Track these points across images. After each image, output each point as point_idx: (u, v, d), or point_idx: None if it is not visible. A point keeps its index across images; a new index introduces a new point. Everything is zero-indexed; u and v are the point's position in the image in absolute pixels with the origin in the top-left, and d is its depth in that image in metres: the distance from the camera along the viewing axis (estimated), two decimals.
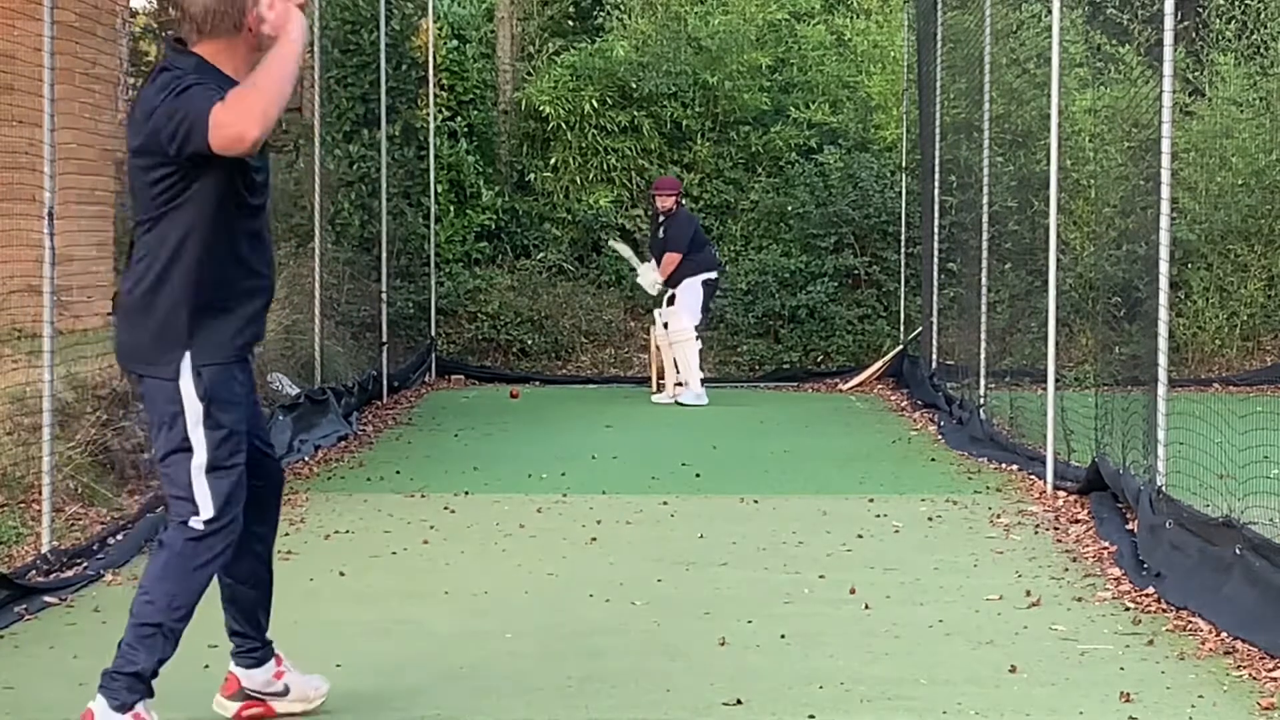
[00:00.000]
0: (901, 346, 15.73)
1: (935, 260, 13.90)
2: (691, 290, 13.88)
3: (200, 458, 4.40)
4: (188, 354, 4.37)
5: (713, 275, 14.06)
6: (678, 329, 13.87)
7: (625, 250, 14.75)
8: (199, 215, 4.32)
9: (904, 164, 16.45)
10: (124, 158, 4.33)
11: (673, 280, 13.93)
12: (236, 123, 4.09)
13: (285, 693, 4.81)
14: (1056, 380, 9.43)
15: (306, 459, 10.20)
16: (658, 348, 14.98)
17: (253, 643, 4.81)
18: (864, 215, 16.47)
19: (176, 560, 4.40)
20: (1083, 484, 8.66)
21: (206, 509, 4.40)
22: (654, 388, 15.01)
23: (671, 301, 14.00)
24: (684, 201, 14.63)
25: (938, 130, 13.75)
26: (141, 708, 4.44)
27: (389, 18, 14.23)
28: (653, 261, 14.15)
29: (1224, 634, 5.76)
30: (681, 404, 13.80)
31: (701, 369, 14.13)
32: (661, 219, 14.04)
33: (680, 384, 13.94)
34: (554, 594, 6.59)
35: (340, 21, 14.64)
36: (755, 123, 17.37)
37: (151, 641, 4.40)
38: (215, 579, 4.62)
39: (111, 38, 10.78)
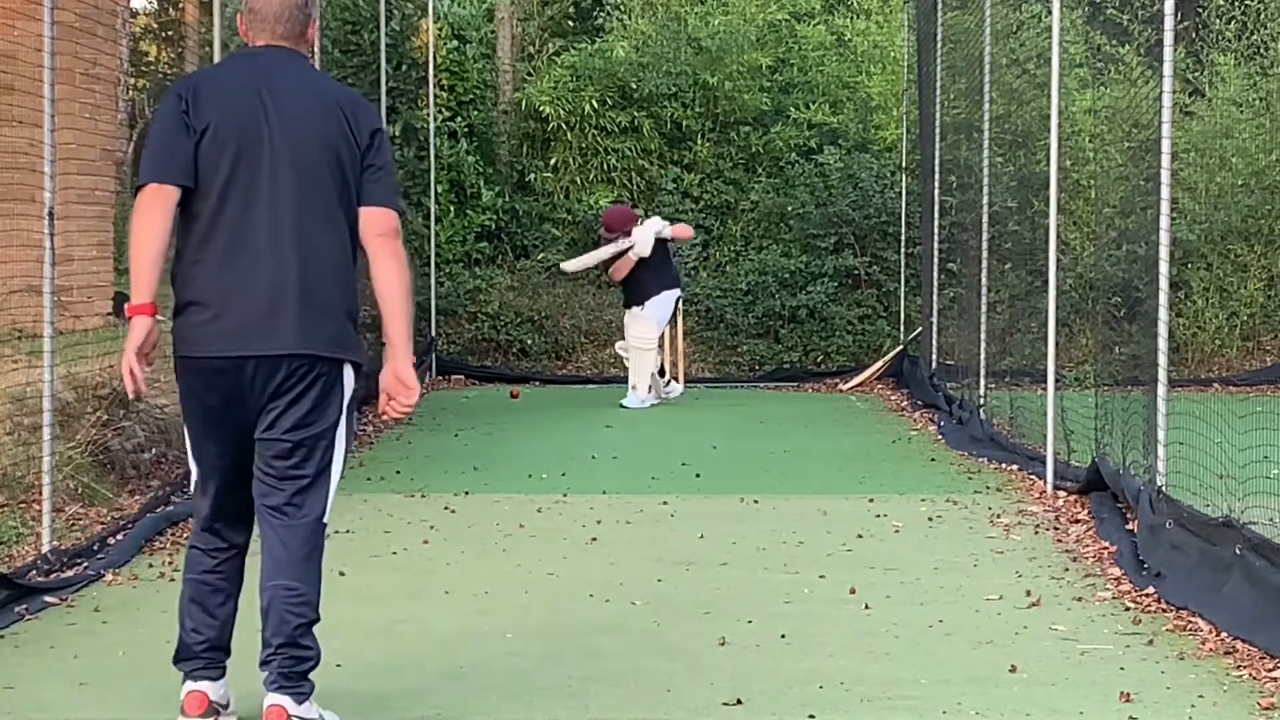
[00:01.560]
0: (901, 346, 15.73)
1: (935, 260, 13.90)
2: (663, 303, 13.79)
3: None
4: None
5: (677, 293, 13.98)
6: (640, 335, 13.72)
7: (586, 260, 14.49)
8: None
9: (904, 164, 16.45)
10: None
11: (646, 294, 13.74)
12: (396, 237, 4.61)
13: (228, 705, 4.72)
14: (1056, 380, 9.43)
15: None
16: (659, 347, 14.97)
17: (227, 654, 4.72)
18: (864, 215, 16.47)
19: (319, 551, 4.63)
20: (1083, 484, 8.65)
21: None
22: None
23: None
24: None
25: (938, 130, 13.75)
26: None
27: (389, 18, 14.23)
28: (655, 218, 13.98)
29: (1224, 634, 5.75)
30: (625, 406, 13.66)
31: (675, 370, 14.07)
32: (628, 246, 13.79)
33: (635, 387, 13.80)
34: (554, 594, 6.59)
35: (340, 21, 14.64)
36: (755, 123, 17.37)
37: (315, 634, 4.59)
38: (204, 581, 4.64)
39: (111, 38, 10.79)
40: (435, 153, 15.92)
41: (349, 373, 4.65)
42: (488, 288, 16.59)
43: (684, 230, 14.06)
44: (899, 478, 9.85)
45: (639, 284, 13.77)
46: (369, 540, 7.70)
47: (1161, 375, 7.18)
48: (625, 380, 15.67)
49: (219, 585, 4.66)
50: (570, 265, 14.74)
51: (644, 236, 13.70)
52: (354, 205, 4.58)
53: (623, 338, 14.27)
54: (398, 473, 9.90)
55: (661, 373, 14.33)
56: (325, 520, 4.69)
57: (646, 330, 13.74)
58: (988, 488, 9.40)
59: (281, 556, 4.55)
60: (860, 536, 7.86)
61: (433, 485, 9.40)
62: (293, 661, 4.49)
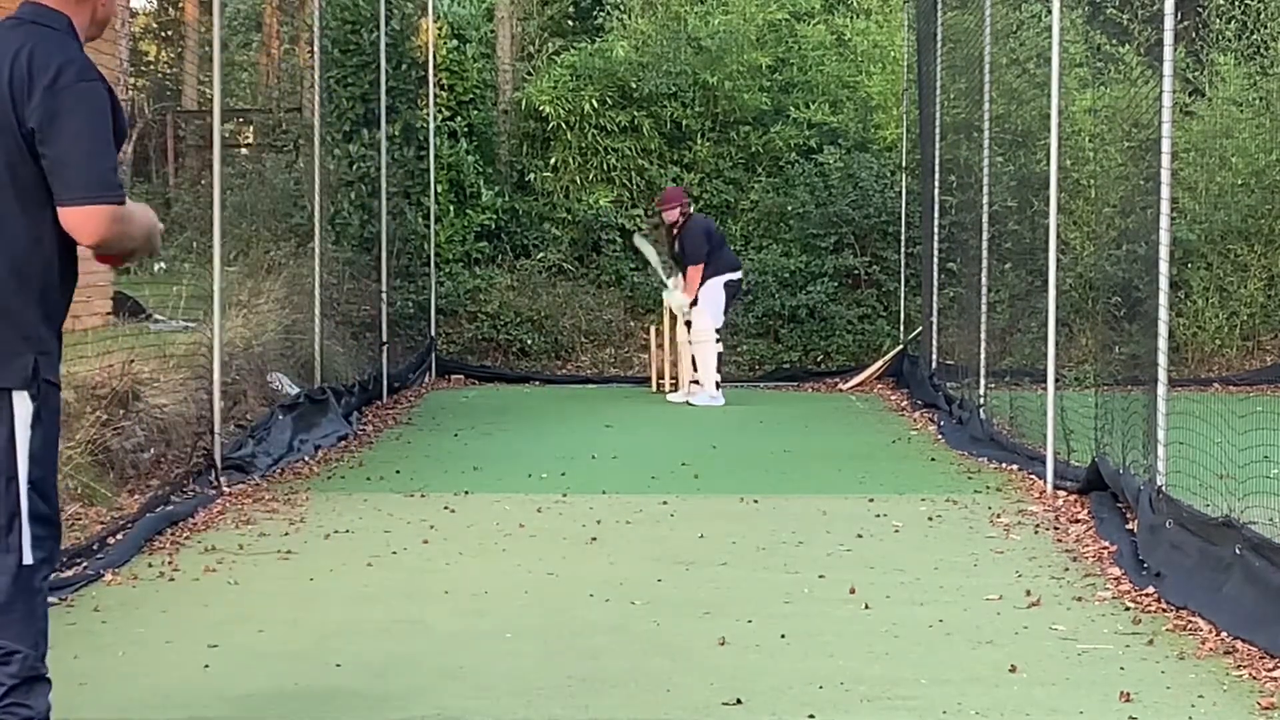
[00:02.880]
0: (901, 346, 15.74)
1: (935, 260, 13.90)
2: (712, 292, 13.83)
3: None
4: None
5: (734, 276, 14.00)
6: (698, 329, 13.82)
7: (650, 253, 14.65)
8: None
9: (904, 164, 16.45)
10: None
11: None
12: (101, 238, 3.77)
13: None
14: (1056, 380, 9.43)
15: (306, 459, 10.20)
16: (659, 346, 14.99)
17: None
18: (864, 215, 16.47)
19: (25, 599, 3.85)
20: (1083, 484, 8.66)
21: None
22: (654, 387, 15.02)
23: (695, 302, 13.95)
24: (692, 206, 14.51)
25: (938, 130, 13.75)
26: None
27: (389, 18, 14.23)
28: (678, 277, 14.10)
29: (1224, 634, 5.76)
30: (692, 404, 13.77)
31: (719, 371, 14.08)
32: (674, 231, 13.99)
33: (696, 383, 13.91)
34: (554, 594, 6.59)
35: (340, 21, 14.64)
36: (755, 123, 17.37)
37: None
38: None
39: (111, 38, 10.79)
40: (435, 152, 15.92)
41: (20, 401, 3.81)
42: (488, 287, 16.59)
43: (692, 288, 13.95)
44: (899, 478, 9.85)
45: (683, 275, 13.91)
46: (369, 540, 7.70)
47: (1161, 375, 7.17)
48: (625, 380, 15.73)
49: None
50: (645, 248, 14.83)
51: (675, 303, 14.16)
52: (29, 189, 3.79)
53: (647, 333, 14.34)
54: (397, 473, 9.90)
55: (661, 374, 14.35)
56: (27, 562, 3.83)
57: (702, 323, 13.80)
58: (988, 488, 9.40)
59: None
60: (860, 536, 7.86)
61: (433, 485, 9.40)
62: None
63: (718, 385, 13.92)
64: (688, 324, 14.00)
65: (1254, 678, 5.28)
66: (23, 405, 3.83)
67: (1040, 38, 13.88)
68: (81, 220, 3.78)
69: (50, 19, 3.92)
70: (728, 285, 13.93)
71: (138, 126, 18.05)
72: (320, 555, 7.35)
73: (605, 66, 17.00)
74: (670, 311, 14.58)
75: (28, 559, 3.83)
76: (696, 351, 13.91)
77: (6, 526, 3.81)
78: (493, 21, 18.02)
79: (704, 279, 13.80)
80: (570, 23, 19.08)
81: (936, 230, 13.84)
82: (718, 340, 13.93)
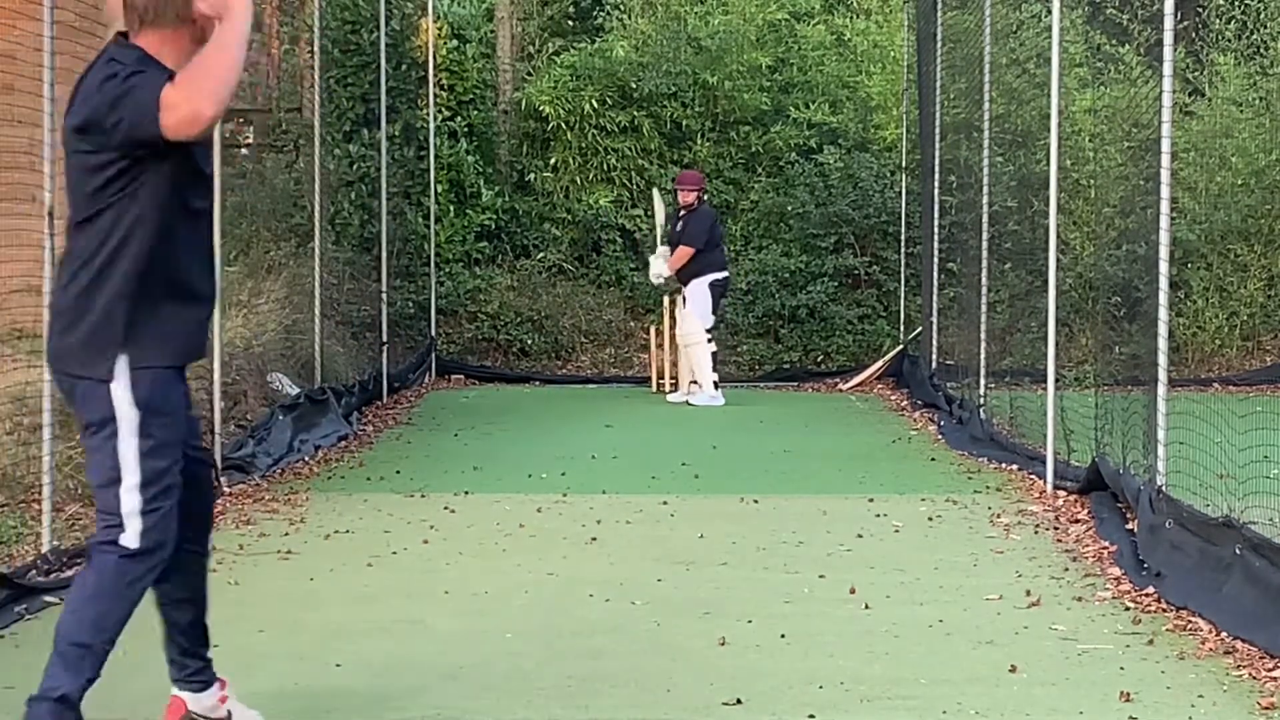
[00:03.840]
0: (901, 346, 15.73)
1: (935, 260, 13.90)
2: (699, 292, 13.84)
3: (133, 476, 4.21)
4: (124, 356, 4.17)
5: (720, 276, 14.03)
6: (688, 331, 13.87)
7: (659, 212, 14.62)
8: (144, 211, 4.12)
9: (904, 164, 16.45)
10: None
11: (681, 277, 13.91)
12: (189, 100, 3.94)
13: (229, 719, 4.60)
14: (1056, 380, 9.43)
15: (306, 459, 10.20)
16: (659, 346, 14.99)
17: (198, 663, 4.61)
18: (864, 215, 16.46)
19: (110, 579, 4.24)
20: (1083, 484, 8.65)
21: (135, 526, 4.23)
22: (653, 387, 15.02)
23: (683, 303, 13.99)
24: (705, 199, 14.55)
25: (938, 130, 13.75)
26: None
27: (389, 18, 14.22)
28: (665, 249, 14.12)
29: (1224, 634, 5.76)
30: (692, 404, 13.79)
31: (715, 370, 14.09)
32: (681, 213, 14.01)
33: (695, 383, 13.93)
34: (554, 594, 6.59)
35: (340, 21, 14.63)
36: (755, 123, 17.36)
37: (80, 663, 4.28)
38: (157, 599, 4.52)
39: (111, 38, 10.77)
40: (435, 153, 15.92)
41: (116, 387, 4.19)
42: (488, 288, 16.58)
43: (677, 261, 13.98)
44: (899, 478, 9.84)
45: (685, 265, 13.87)
46: (369, 540, 7.70)
47: (1161, 375, 7.18)
48: (625, 380, 15.73)
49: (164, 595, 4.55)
50: (658, 203, 14.80)
51: (654, 271, 14.28)
52: (109, 199, 4.12)
53: (647, 333, 14.35)
54: (398, 473, 9.90)
55: (661, 375, 14.34)
56: (115, 537, 4.26)
57: (692, 327, 13.82)
58: (988, 488, 9.40)
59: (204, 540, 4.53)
60: (860, 536, 7.86)
61: (433, 485, 9.40)
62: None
63: (716, 385, 13.93)
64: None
65: (1254, 678, 5.28)
66: (118, 391, 4.20)
67: (1040, 38, 13.87)
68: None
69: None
70: (714, 285, 13.94)
71: None
72: (320, 555, 7.35)
73: (605, 66, 16.99)
74: (670, 312, 14.59)
75: (125, 534, 4.28)
76: (690, 353, 13.94)
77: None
78: (493, 21, 18.01)
79: (692, 275, 13.80)
80: (570, 23, 19.06)
81: (936, 230, 13.84)
82: (710, 340, 13.93)
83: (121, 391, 4.16)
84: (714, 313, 14.05)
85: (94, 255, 4.16)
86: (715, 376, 14.00)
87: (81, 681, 4.28)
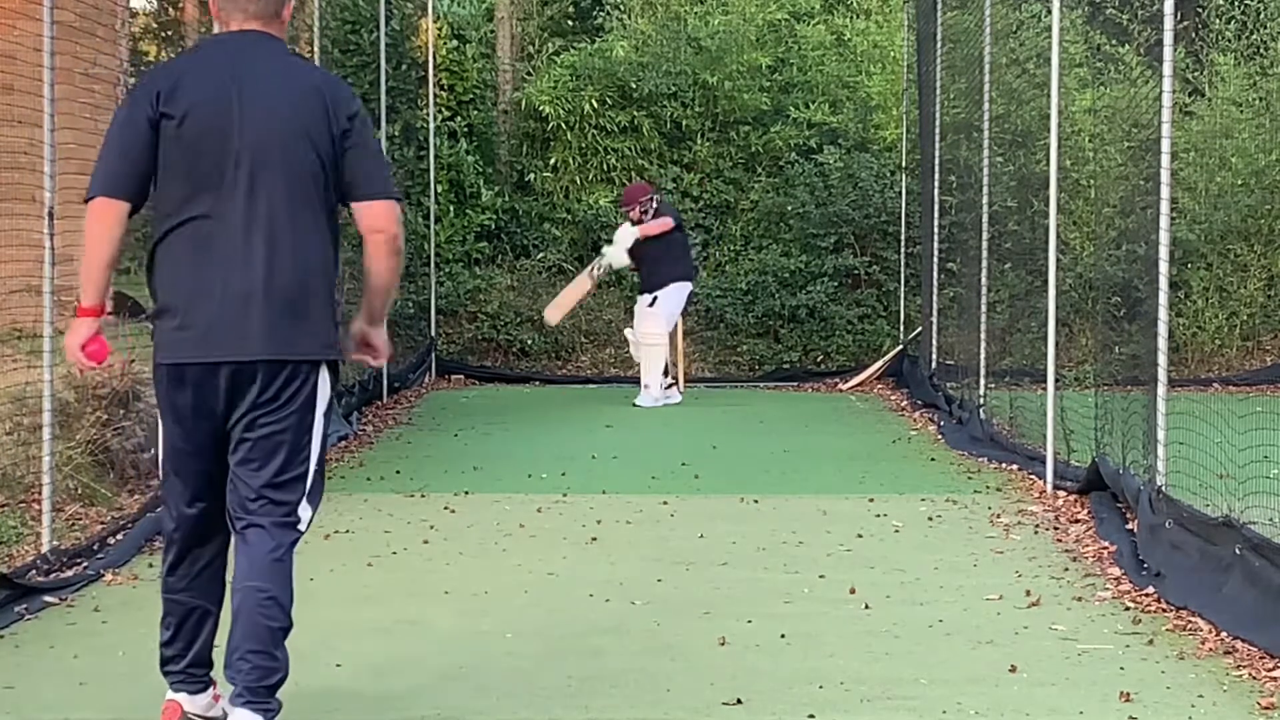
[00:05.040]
0: (901, 346, 15.73)
1: (935, 260, 13.90)
2: (674, 296, 13.76)
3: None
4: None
5: (690, 286, 13.98)
6: (651, 331, 13.72)
7: (561, 307, 14.49)
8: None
9: (904, 164, 16.45)
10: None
11: (657, 282, 13.79)
12: (401, 230, 4.51)
13: (224, 718, 4.58)
14: (1056, 380, 9.43)
15: None
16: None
17: (206, 669, 4.66)
18: (864, 215, 16.46)
19: (290, 559, 4.43)
20: (1083, 484, 8.65)
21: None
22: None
23: (650, 302, 13.85)
24: (668, 200, 14.46)
25: (938, 130, 13.75)
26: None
27: (389, 18, 14.22)
28: (628, 226, 13.93)
29: (1224, 634, 5.76)
30: (637, 405, 13.66)
31: (682, 370, 14.05)
32: (638, 224, 13.82)
33: (647, 385, 13.78)
34: (554, 594, 6.59)
35: (340, 21, 14.63)
36: (755, 123, 17.36)
37: (286, 644, 4.41)
38: (177, 599, 4.59)
39: (111, 38, 10.77)
40: (435, 153, 15.92)
41: (324, 374, 4.53)
42: (488, 288, 16.59)
43: (654, 227, 13.83)
44: (899, 478, 9.84)
45: (655, 266, 13.75)
46: (369, 540, 7.70)
47: (1161, 375, 7.18)
48: (625, 380, 15.71)
49: (190, 602, 4.60)
50: (552, 314, 14.60)
51: (616, 250, 13.92)
52: (333, 196, 4.46)
53: (630, 327, 14.23)
54: (398, 473, 9.90)
55: (666, 372, 14.30)
56: (301, 526, 4.49)
57: (655, 326, 13.71)
58: (988, 488, 9.40)
59: (253, 559, 4.41)
60: (860, 536, 7.86)
61: (433, 485, 9.40)
62: (261, 673, 4.34)
63: (665, 387, 13.83)
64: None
65: (1254, 678, 5.28)
66: (324, 379, 4.52)
67: (1040, 38, 13.86)
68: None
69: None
70: (690, 295, 13.91)
71: None
72: (320, 555, 7.34)
73: (605, 66, 16.99)
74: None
75: (303, 523, 4.48)
76: (648, 353, 13.77)
77: (295, 502, 4.43)
78: (493, 21, 18.01)
79: (668, 281, 13.67)
80: (570, 23, 19.07)
81: (936, 230, 13.84)
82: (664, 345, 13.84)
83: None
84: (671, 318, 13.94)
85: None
86: (668, 380, 13.90)
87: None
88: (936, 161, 13.78)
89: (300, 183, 4.39)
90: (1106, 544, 7.45)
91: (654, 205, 13.91)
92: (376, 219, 4.48)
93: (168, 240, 4.40)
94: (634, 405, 13.64)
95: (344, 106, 4.44)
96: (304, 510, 4.48)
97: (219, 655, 4.62)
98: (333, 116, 4.41)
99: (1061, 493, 8.90)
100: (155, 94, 4.39)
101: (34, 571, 6.58)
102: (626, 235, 13.88)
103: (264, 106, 4.37)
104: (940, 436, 11.65)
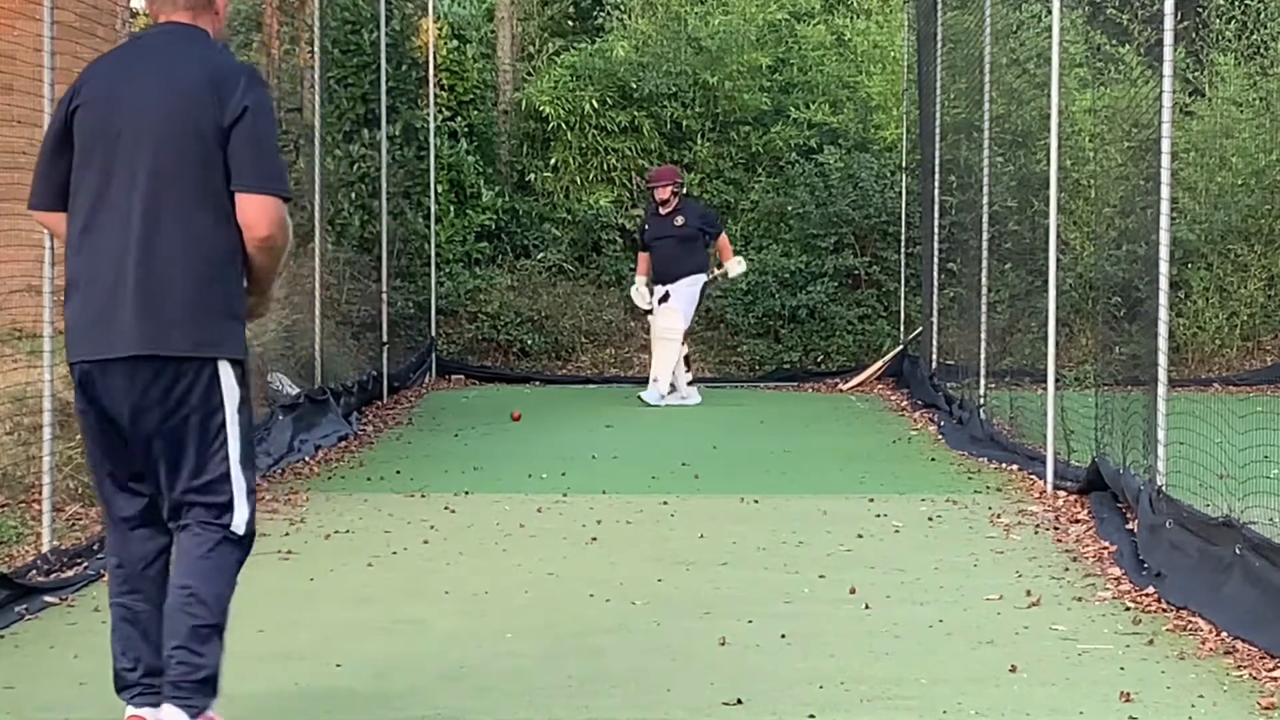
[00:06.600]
0: (901, 346, 15.74)
1: (935, 260, 13.90)
2: (689, 290, 13.77)
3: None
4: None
5: (703, 277, 14.01)
6: (671, 326, 13.72)
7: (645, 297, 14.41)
8: None
9: (904, 164, 16.45)
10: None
11: (679, 271, 13.78)
12: (278, 230, 4.29)
13: None
14: (1056, 380, 9.43)
15: (306, 459, 10.21)
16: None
17: (160, 679, 4.37)
18: (864, 215, 16.47)
19: (223, 558, 4.29)
20: (1083, 484, 8.66)
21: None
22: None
23: (666, 298, 13.84)
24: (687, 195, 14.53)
25: (938, 130, 13.75)
26: (213, 710, 4.32)
27: (389, 18, 14.23)
28: (641, 281, 14.01)
29: (1224, 634, 5.76)
30: (643, 400, 13.64)
31: (689, 370, 14.04)
32: (661, 211, 13.85)
33: (656, 379, 13.77)
34: (554, 594, 6.59)
35: (340, 21, 14.64)
36: (755, 123, 17.36)
37: (218, 640, 4.30)
38: (121, 603, 4.40)
39: (111, 38, 10.76)
40: (435, 153, 15.92)
41: (225, 370, 4.29)
42: (488, 288, 16.59)
43: (726, 249, 14.08)
44: (899, 478, 9.84)
45: (672, 259, 13.74)
46: (369, 540, 7.70)
47: (1161, 375, 7.18)
48: (625, 380, 15.72)
49: (134, 605, 4.40)
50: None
51: (641, 299, 14.12)
52: (226, 188, 4.26)
53: (647, 333, 14.25)
54: (398, 473, 9.90)
55: (688, 365, 14.21)
56: (235, 527, 4.31)
57: (673, 322, 13.70)
58: (988, 488, 9.40)
59: (184, 560, 4.28)
60: (860, 536, 7.86)
61: (433, 485, 9.40)
62: (184, 669, 4.21)
63: (672, 388, 13.83)
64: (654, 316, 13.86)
65: (1254, 678, 5.28)
66: (225, 376, 4.29)
67: (1040, 38, 13.86)
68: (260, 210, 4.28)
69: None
70: (704, 287, 13.93)
71: None
72: (320, 555, 7.35)
73: (605, 67, 17.00)
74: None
75: (236, 523, 4.31)
76: (668, 348, 13.75)
77: (224, 505, 4.27)
78: (493, 21, 18.02)
79: (689, 271, 13.70)
80: (570, 23, 19.07)
81: (936, 230, 13.84)
82: (684, 342, 13.85)
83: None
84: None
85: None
86: (690, 377, 13.95)
87: (221, 660, 4.38)
88: (936, 161, 13.78)
89: (185, 176, 4.24)
90: (1107, 544, 7.45)
91: (680, 192, 14.00)
92: (245, 214, 4.25)
93: (69, 234, 4.36)
94: (639, 399, 13.62)
95: (236, 97, 4.24)
96: (238, 510, 4.31)
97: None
98: (220, 107, 4.23)
99: (1062, 493, 8.90)
100: (72, 92, 4.40)
101: (34, 571, 6.58)
102: (739, 268, 14.05)
103: (148, 100, 4.27)
104: (940, 436, 11.65)
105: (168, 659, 4.24)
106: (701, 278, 13.84)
